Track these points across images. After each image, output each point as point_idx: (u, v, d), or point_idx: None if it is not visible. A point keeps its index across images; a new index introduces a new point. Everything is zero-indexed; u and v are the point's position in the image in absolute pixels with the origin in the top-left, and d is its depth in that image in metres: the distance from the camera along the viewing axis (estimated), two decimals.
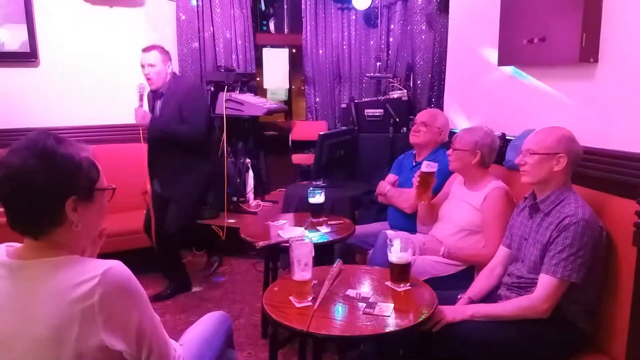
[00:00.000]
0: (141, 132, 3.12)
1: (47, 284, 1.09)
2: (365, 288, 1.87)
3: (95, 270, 1.09)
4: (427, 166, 2.41)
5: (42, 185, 1.10)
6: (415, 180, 2.45)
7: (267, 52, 4.89)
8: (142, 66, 3.06)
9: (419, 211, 2.65)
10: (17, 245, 1.18)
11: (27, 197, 1.11)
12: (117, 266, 1.13)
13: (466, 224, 2.37)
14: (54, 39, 3.73)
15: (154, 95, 3.19)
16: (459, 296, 2.02)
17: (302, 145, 5.02)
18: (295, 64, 5.17)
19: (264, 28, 5.09)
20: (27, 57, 3.65)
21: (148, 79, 3.07)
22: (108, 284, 1.09)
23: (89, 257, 1.21)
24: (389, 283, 1.87)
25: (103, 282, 1.08)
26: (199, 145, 3.19)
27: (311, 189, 2.76)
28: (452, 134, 2.77)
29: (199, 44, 4.45)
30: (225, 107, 4.00)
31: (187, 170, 3.19)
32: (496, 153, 2.43)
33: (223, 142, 4.17)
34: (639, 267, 1.65)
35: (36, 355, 1.09)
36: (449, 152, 2.43)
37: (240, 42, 4.56)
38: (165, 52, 3.11)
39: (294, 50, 5.23)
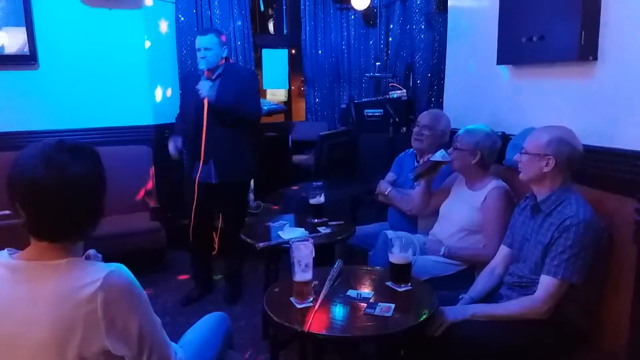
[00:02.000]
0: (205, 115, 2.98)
1: (49, 287, 1.09)
2: (366, 288, 1.87)
3: (98, 274, 1.10)
4: (443, 156, 2.44)
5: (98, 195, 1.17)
6: (422, 162, 2.48)
7: (266, 53, 4.90)
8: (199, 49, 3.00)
9: (416, 197, 2.69)
10: (18, 252, 1.18)
11: (70, 214, 1.13)
12: (119, 270, 1.13)
13: (466, 224, 2.36)
14: (53, 41, 3.72)
15: (200, 78, 3.05)
16: (460, 296, 2.02)
17: (302, 146, 5.02)
18: (295, 64, 5.17)
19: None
20: (26, 60, 3.64)
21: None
22: (110, 288, 1.09)
23: (90, 260, 1.21)
24: (389, 283, 1.87)
25: (105, 286, 1.08)
26: (252, 128, 3.19)
27: (312, 189, 2.76)
28: (452, 133, 2.76)
29: None
30: None
31: (245, 156, 3.18)
32: (497, 154, 2.43)
33: None
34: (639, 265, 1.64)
35: (39, 359, 1.09)
36: (450, 150, 2.43)
37: (239, 43, 4.56)
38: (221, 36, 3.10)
39: (293, 51, 5.23)
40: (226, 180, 3.14)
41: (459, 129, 2.49)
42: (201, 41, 3.00)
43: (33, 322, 1.08)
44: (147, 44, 4.04)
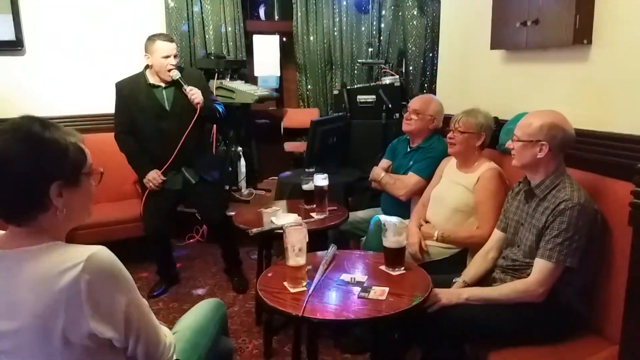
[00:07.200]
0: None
1: (30, 273, 1.07)
2: (360, 272, 1.86)
3: (79, 257, 1.07)
4: (323, 179, 2.54)
5: (25, 170, 1.08)
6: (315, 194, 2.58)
7: (257, 39, 4.84)
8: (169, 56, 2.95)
9: (410, 183, 2.75)
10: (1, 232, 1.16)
11: (9, 182, 1.08)
12: (102, 251, 1.10)
13: (459, 205, 2.36)
14: (40, 27, 3.66)
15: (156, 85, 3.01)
16: (453, 279, 2.02)
17: (295, 133, 4.99)
18: (286, 51, 5.12)
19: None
20: (13, 46, 3.59)
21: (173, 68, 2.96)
22: (93, 270, 1.07)
23: (71, 243, 1.18)
24: (383, 267, 1.87)
25: (88, 268, 1.06)
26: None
27: (305, 176, 2.75)
28: (446, 119, 2.75)
29: (188, 31, 4.40)
30: (216, 95, 3.95)
31: (211, 156, 3.28)
32: (492, 136, 2.44)
33: (214, 131, 4.14)
34: (634, 247, 1.64)
35: (24, 345, 1.07)
36: (451, 135, 2.41)
37: (230, 29, 4.51)
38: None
39: (284, 38, 5.17)
40: (207, 176, 3.12)
41: (453, 115, 2.47)
42: (173, 48, 2.97)
43: (15, 309, 1.06)
44: (136, 30, 3.97)
